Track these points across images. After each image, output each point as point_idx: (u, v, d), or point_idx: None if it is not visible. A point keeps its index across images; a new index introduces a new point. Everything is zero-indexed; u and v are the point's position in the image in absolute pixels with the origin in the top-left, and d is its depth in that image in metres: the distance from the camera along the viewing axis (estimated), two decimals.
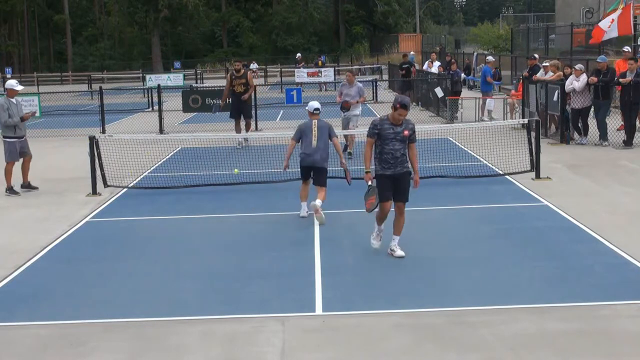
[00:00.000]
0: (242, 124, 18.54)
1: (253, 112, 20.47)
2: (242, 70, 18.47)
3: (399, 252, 8.75)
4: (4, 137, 13.21)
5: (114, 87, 41.45)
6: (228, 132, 18.58)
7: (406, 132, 8.57)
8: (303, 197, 10.92)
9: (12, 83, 13.29)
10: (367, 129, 8.72)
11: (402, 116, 8.51)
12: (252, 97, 19.99)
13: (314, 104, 10.92)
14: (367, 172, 8.94)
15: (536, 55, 21.96)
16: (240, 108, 18.19)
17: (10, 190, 13.12)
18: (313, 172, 10.74)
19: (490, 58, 25.95)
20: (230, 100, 18.23)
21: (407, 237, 9.68)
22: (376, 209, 8.86)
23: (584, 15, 40.99)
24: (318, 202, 10.24)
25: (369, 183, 8.94)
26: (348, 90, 16.04)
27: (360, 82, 17.83)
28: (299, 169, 11.00)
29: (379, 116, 9.45)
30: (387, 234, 8.95)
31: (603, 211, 10.73)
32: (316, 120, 10.74)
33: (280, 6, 71.56)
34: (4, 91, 13.42)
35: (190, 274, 8.40)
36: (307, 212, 10.81)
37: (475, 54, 40.03)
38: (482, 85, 23.71)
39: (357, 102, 16.02)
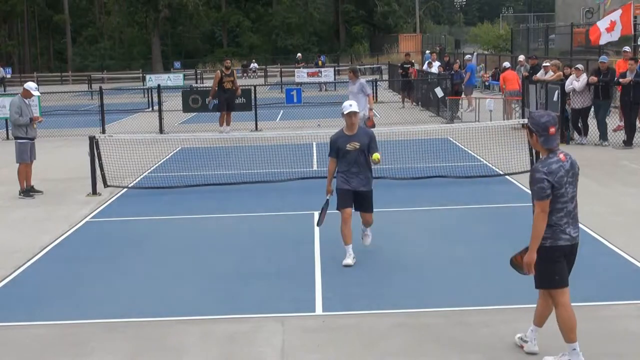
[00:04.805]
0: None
1: (252, 111, 22.21)
2: (231, 69, 20.58)
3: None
4: (15, 138, 13.21)
5: (114, 87, 41.44)
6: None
7: None
8: None
9: (31, 86, 13.23)
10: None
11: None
12: (252, 96, 22.31)
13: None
14: None
15: (522, 57, 22.55)
16: (228, 102, 20.32)
17: (24, 192, 13.02)
18: None
19: (468, 56, 26.59)
20: (218, 96, 20.26)
21: (407, 237, 9.68)
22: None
23: (584, 15, 41.00)
24: None
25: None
26: (351, 87, 15.44)
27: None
28: None
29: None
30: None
31: (603, 211, 10.72)
32: None
33: (280, 6, 71.57)
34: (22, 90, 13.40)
35: (190, 274, 8.39)
36: None
37: (475, 53, 40.04)
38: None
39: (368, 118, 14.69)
